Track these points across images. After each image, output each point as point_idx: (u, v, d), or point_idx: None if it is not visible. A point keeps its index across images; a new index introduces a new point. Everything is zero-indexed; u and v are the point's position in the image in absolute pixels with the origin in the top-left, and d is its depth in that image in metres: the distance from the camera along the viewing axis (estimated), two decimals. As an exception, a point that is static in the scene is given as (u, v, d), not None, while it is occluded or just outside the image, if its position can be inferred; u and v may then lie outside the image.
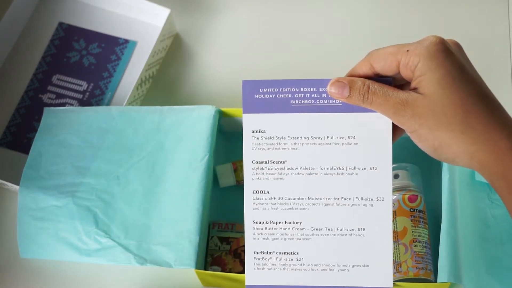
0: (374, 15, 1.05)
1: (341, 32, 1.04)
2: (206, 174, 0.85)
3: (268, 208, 0.63)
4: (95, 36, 1.04)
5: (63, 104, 1.00)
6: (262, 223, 0.63)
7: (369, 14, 1.05)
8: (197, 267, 0.80)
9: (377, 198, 0.62)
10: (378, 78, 0.59)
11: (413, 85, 0.57)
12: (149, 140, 0.88)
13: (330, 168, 0.62)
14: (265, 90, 0.62)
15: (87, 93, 1.00)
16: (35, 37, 1.05)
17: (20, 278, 0.89)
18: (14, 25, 1.04)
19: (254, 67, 1.02)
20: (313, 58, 1.02)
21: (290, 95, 0.61)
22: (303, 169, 0.62)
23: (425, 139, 0.57)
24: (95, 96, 1.00)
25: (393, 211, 0.82)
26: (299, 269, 0.63)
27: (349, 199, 0.62)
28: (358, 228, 0.62)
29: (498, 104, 0.57)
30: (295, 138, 0.62)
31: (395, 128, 0.61)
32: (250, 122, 0.62)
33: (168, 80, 1.02)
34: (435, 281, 0.79)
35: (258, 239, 0.63)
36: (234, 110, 0.89)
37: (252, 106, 0.62)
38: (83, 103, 1.00)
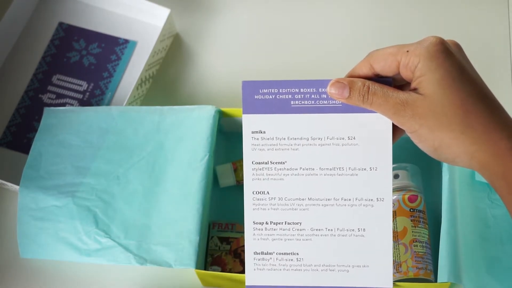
0: (374, 15, 1.05)
1: (341, 32, 1.04)
2: (206, 174, 0.85)
3: (268, 209, 0.63)
4: (95, 36, 1.04)
5: (63, 104, 1.00)
6: (262, 223, 0.63)
7: (369, 14, 1.05)
8: (197, 267, 0.80)
9: (377, 198, 0.62)
10: (378, 78, 0.59)
11: (413, 85, 0.57)
12: (149, 140, 0.88)
13: (330, 169, 0.62)
14: (265, 90, 0.62)
15: (87, 93, 1.00)
16: (35, 37, 1.05)
17: (20, 278, 0.89)
18: (14, 25, 1.04)
19: (254, 67, 1.02)
20: (313, 58, 1.02)
21: (290, 96, 0.61)
22: (303, 169, 0.62)
23: (425, 140, 0.57)
24: (95, 96, 1.00)
25: (393, 211, 0.82)
26: (299, 270, 0.63)
27: (349, 199, 0.62)
28: (358, 228, 0.63)
29: (498, 104, 0.57)
30: (295, 138, 0.62)
31: (395, 129, 0.61)
32: (250, 123, 0.62)
33: (168, 80, 1.02)
34: (435, 281, 0.79)
35: (258, 239, 0.63)
36: (234, 110, 0.89)
37: (252, 107, 0.62)
38: (83, 103, 1.00)
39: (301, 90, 0.61)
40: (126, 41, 1.03)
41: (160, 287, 0.87)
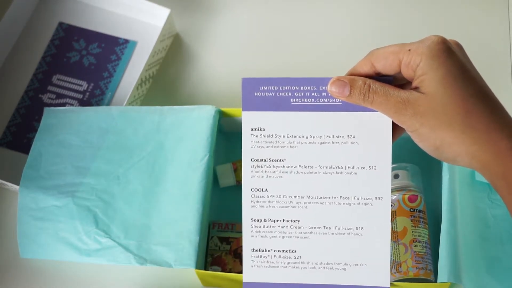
0: (374, 15, 1.05)
1: (341, 32, 1.04)
2: (206, 174, 0.85)
3: (267, 206, 0.63)
4: (95, 36, 1.04)
5: (63, 104, 1.00)
6: (260, 221, 0.63)
7: (369, 14, 1.05)
8: (197, 267, 0.80)
9: (375, 197, 0.62)
10: (378, 77, 0.59)
11: (414, 84, 0.57)
12: (149, 140, 0.88)
13: (329, 167, 0.62)
14: (265, 88, 0.62)
15: (87, 93, 1.00)
16: (35, 37, 1.05)
17: (20, 278, 0.89)
18: (14, 25, 1.04)
19: (254, 67, 1.02)
20: (313, 58, 1.02)
21: (290, 93, 0.61)
22: (302, 167, 0.62)
23: (426, 139, 0.57)
24: (95, 96, 1.00)
25: (393, 211, 0.82)
26: (296, 267, 0.63)
27: (348, 198, 0.62)
28: (356, 227, 0.63)
29: (499, 104, 0.57)
30: (295, 136, 0.62)
31: (395, 128, 0.61)
32: (249, 120, 0.62)
33: (168, 80, 1.02)
34: (435, 281, 0.79)
35: (256, 236, 0.63)
36: (234, 110, 0.89)
37: (252, 104, 0.62)
38: (83, 103, 1.00)
39: (301, 88, 0.61)
40: (126, 41, 1.03)
41: (160, 287, 0.87)
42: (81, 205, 0.85)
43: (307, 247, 0.63)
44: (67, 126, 0.90)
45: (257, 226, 0.63)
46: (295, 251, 0.63)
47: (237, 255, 0.86)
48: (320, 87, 0.61)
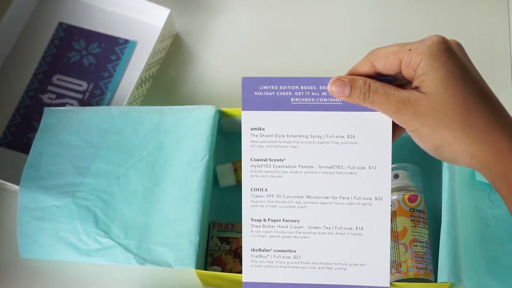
0: (374, 15, 1.05)
1: (341, 32, 1.04)
2: (206, 174, 0.85)
3: (266, 206, 0.63)
4: (95, 36, 1.04)
5: (63, 104, 1.00)
6: (259, 220, 0.63)
7: (369, 14, 1.05)
8: (197, 267, 0.80)
9: (375, 197, 0.62)
10: (379, 77, 0.59)
11: (414, 84, 0.57)
12: (149, 140, 0.88)
13: (329, 167, 0.62)
14: (265, 87, 0.62)
15: (87, 93, 1.00)
16: (35, 37, 1.05)
17: (20, 278, 0.89)
18: (14, 25, 1.04)
19: (254, 67, 1.02)
20: (313, 58, 1.02)
21: (290, 93, 0.61)
22: (302, 167, 0.62)
23: (426, 138, 0.57)
24: (95, 96, 1.00)
25: (393, 211, 0.82)
26: (296, 267, 0.63)
27: (348, 198, 0.62)
28: (356, 227, 0.62)
29: (499, 104, 0.57)
30: (294, 136, 0.62)
31: (395, 128, 0.61)
32: (249, 119, 0.62)
33: (168, 80, 1.02)
34: (435, 281, 0.79)
35: (256, 236, 0.63)
36: (234, 110, 0.89)
37: (252, 103, 0.62)
38: (83, 103, 1.00)
39: (301, 87, 0.61)
40: (126, 41, 1.03)
41: (160, 287, 0.87)
42: (81, 205, 0.85)
43: (307, 247, 0.63)
44: (67, 126, 0.90)
45: (256, 226, 0.63)
46: (295, 251, 0.63)
47: (237, 255, 0.86)
48: (320, 87, 0.61)
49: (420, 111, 0.56)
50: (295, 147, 0.62)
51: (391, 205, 0.82)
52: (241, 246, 0.84)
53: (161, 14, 1.00)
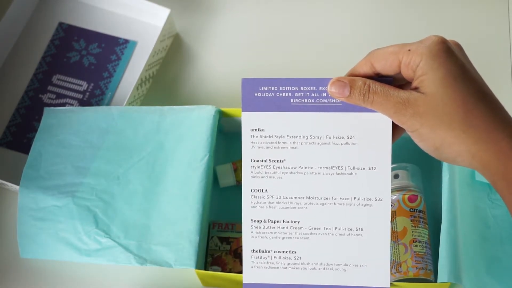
0: (374, 15, 1.05)
1: (341, 32, 1.04)
2: (206, 174, 0.85)
3: (266, 207, 0.63)
4: (95, 36, 1.04)
5: (63, 104, 1.00)
6: (260, 221, 0.63)
7: (369, 14, 1.05)
8: (197, 267, 0.80)
9: (375, 198, 0.62)
10: (378, 78, 0.59)
11: (414, 84, 0.57)
12: (149, 140, 0.88)
13: (329, 168, 0.62)
14: (265, 88, 0.61)
15: (87, 93, 1.00)
16: (35, 37, 1.05)
17: (20, 278, 0.89)
18: (14, 25, 1.04)
19: (254, 67, 1.02)
20: (313, 58, 1.02)
21: (289, 94, 0.61)
22: (302, 168, 0.62)
23: (426, 139, 0.57)
24: (95, 96, 1.00)
25: (393, 211, 0.82)
26: (296, 268, 0.63)
27: (348, 198, 0.62)
28: (356, 228, 0.63)
29: (499, 104, 0.57)
30: (294, 137, 0.62)
31: (395, 128, 0.61)
32: (249, 121, 0.62)
33: (168, 80, 1.02)
34: (435, 281, 0.79)
35: (256, 237, 0.63)
36: (234, 110, 0.89)
37: (251, 105, 0.62)
38: (83, 103, 1.00)
39: (301, 88, 0.61)
40: (126, 41, 1.03)
41: (160, 287, 0.87)
42: (81, 205, 0.85)
43: (307, 248, 0.63)
44: (67, 126, 0.90)
45: (257, 227, 0.63)
46: (295, 252, 0.63)
47: (237, 255, 0.86)
48: (320, 88, 0.61)
49: (419, 111, 0.56)
50: (295, 148, 0.62)
51: (391, 205, 0.82)
52: (241, 246, 0.85)
53: (161, 14, 1.00)
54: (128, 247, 0.82)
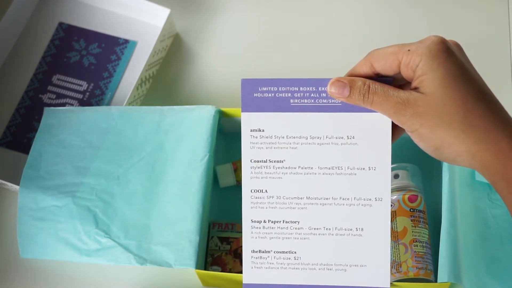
0: (374, 15, 1.05)
1: (341, 32, 1.04)
2: (206, 174, 0.85)
3: (266, 207, 0.63)
4: (95, 36, 1.04)
5: (63, 104, 1.00)
6: (260, 222, 0.63)
7: (369, 14, 1.05)
8: (197, 267, 0.80)
9: (375, 198, 0.62)
10: (378, 78, 0.59)
11: (414, 84, 0.57)
12: (149, 140, 0.88)
13: (329, 168, 0.62)
14: (264, 89, 0.61)
15: (87, 93, 1.00)
16: (35, 37, 1.05)
17: (20, 278, 0.89)
18: (14, 25, 1.04)
19: (254, 67, 1.02)
20: (313, 58, 1.02)
21: (289, 94, 0.61)
22: (302, 168, 0.62)
23: (426, 139, 0.57)
24: (95, 96, 1.00)
25: (393, 211, 0.82)
26: (296, 268, 0.63)
27: (348, 199, 0.62)
28: (356, 228, 0.62)
29: (499, 104, 0.57)
30: (294, 137, 0.62)
31: (395, 128, 0.61)
32: (249, 121, 0.62)
33: (168, 80, 1.02)
34: (435, 281, 0.79)
35: (256, 238, 0.63)
36: (234, 110, 0.89)
37: (251, 105, 0.62)
38: (83, 103, 1.00)
39: (301, 88, 0.61)
40: (126, 41, 1.03)
41: (160, 287, 0.87)
42: (81, 205, 0.85)
43: (307, 248, 0.63)
44: (67, 126, 0.90)
45: (257, 228, 0.63)
46: (295, 252, 0.63)
47: (237, 255, 0.86)
48: (320, 88, 0.61)
49: (419, 111, 0.56)
50: (294, 148, 0.62)
51: (391, 205, 0.82)
52: (241, 246, 0.85)
53: (161, 14, 1.00)
54: (128, 247, 0.82)
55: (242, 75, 0.92)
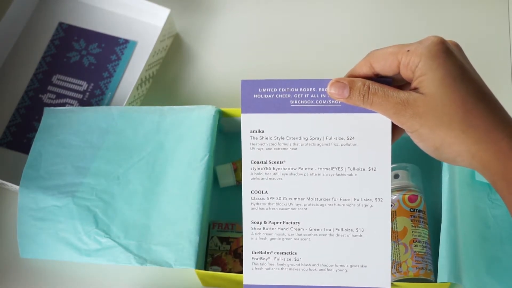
0: (374, 15, 1.05)
1: (341, 32, 1.04)
2: (206, 174, 0.85)
3: (267, 208, 0.63)
4: (95, 36, 1.04)
5: (63, 104, 1.00)
6: (260, 223, 0.63)
7: (369, 14, 1.05)
8: (197, 267, 0.80)
9: (375, 199, 0.62)
10: (378, 78, 0.59)
11: (413, 85, 0.57)
12: (149, 140, 0.88)
13: (329, 169, 0.62)
14: (264, 90, 0.61)
15: (87, 93, 1.00)
16: (35, 37, 1.05)
17: (20, 278, 0.89)
18: (14, 25, 1.04)
19: (254, 67, 1.02)
20: (313, 58, 1.02)
21: (289, 95, 0.61)
22: (302, 169, 0.62)
23: (426, 139, 0.57)
24: (95, 96, 1.00)
25: (393, 211, 0.82)
26: (297, 269, 0.63)
27: (348, 199, 0.62)
28: (357, 228, 0.62)
29: (498, 104, 0.57)
30: (294, 138, 0.62)
31: (395, 128, 0.61)
32: (249, 122, 0.62)
33: (168, 80, 1.02)
34: (435, 281, 0.79)
35: (256, 239, 0.63)
36: (234, 110, 0.89)
37: (251, 106, 0.62)
38: (83, 103, 1.00)
39: (301, 89, 0.61)
40: (126, 41, 1.03)
41: (160, 287, 0.87)
42: (81, 205, 0.85)
43: (308, 249, 0.63)
44: (67, 126, 0.90)
45: (257, 229, 0.63)
46: (296, 253, 0.63)
47: (237, 255, 0.86)
48: (320, 89, 0.61)
49: (419, 112, 0.56)
50: (295, 149, 0.62)
51: (391, 205, 0.82)
52: (241, 246, 0.85)
53: (161, 14, 1.00)
54: (128, 247, 0.82)
55: (242, 75, 0.92)
